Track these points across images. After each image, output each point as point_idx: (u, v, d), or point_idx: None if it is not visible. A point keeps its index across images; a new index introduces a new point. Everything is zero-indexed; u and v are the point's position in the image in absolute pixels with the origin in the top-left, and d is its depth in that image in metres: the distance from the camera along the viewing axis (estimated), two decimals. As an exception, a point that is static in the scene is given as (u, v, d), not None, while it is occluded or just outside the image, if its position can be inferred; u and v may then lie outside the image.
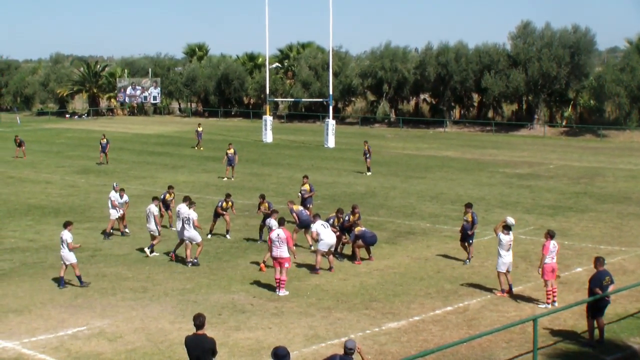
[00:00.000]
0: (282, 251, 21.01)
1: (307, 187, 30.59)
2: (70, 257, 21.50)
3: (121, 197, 28.54)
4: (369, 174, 44.91)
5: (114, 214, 28.22)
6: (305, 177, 31.38)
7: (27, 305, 19.93)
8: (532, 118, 79.24)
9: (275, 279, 21.20)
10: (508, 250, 20.69)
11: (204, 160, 51.99)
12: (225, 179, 42.39)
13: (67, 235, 21.54)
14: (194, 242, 24.16)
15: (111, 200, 28.29)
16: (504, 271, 20.79)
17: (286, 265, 21.06)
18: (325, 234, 23.14)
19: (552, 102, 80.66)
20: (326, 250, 23.13)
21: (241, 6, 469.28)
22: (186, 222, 24.01)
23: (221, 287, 21.65)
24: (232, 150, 43.15)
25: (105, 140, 50.27)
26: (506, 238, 20.68)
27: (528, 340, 16.46)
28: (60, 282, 21.68)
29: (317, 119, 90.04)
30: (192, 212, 24.10)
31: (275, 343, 15.68)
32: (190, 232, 24.03)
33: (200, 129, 60.80)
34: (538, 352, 15.54)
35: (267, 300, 20.35)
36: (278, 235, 21.08)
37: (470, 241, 24.43)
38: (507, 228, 20.83)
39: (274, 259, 21.08)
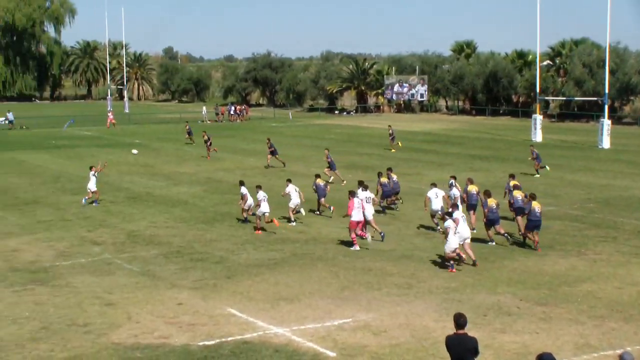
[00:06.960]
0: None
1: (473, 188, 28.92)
2: None
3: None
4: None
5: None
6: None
7: (296, 295, 20.64)
8: None
9: (360, 235, 25.55)
10: None
11: (470, 159, 51.44)
12: (344, 182, 40.55)
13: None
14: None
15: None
16: None
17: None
18: (461, 227, 22.94)
19: None
20: (456, 245, 22.67)
21: (511, 3, 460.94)
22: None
23: (486, 287, 21.18)
24: (326, 156, 41.70)
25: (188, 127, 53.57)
26: None
27: None
28: None
29: (590, 118, 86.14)
30: (368, 193, 27.37)
31: (543, 349, 15.00)
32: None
33: (390, 131, 57.96)
34: None
35: (534, 304, 19.61)
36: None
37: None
38: None
39: (358, 222, 25.31)
